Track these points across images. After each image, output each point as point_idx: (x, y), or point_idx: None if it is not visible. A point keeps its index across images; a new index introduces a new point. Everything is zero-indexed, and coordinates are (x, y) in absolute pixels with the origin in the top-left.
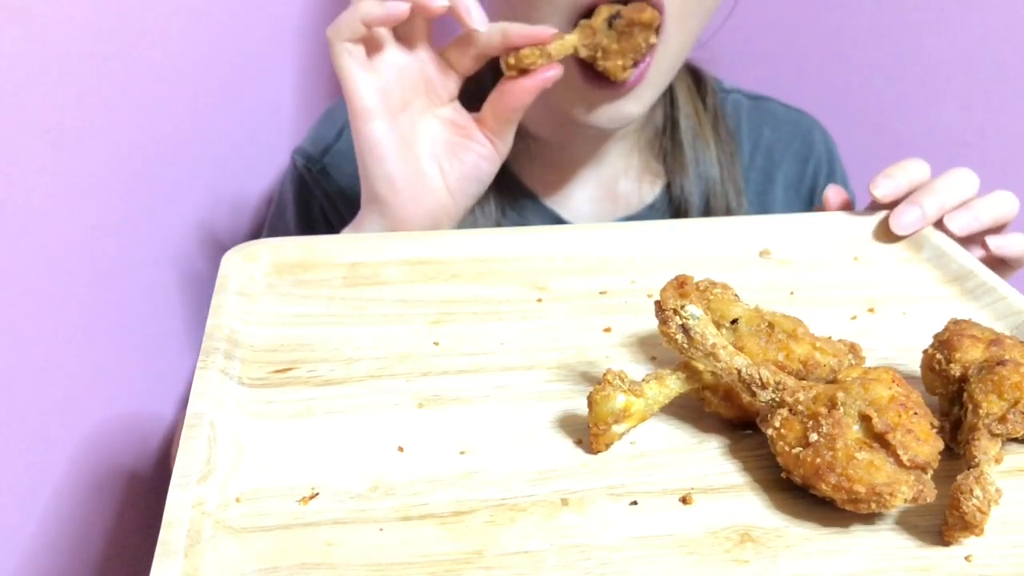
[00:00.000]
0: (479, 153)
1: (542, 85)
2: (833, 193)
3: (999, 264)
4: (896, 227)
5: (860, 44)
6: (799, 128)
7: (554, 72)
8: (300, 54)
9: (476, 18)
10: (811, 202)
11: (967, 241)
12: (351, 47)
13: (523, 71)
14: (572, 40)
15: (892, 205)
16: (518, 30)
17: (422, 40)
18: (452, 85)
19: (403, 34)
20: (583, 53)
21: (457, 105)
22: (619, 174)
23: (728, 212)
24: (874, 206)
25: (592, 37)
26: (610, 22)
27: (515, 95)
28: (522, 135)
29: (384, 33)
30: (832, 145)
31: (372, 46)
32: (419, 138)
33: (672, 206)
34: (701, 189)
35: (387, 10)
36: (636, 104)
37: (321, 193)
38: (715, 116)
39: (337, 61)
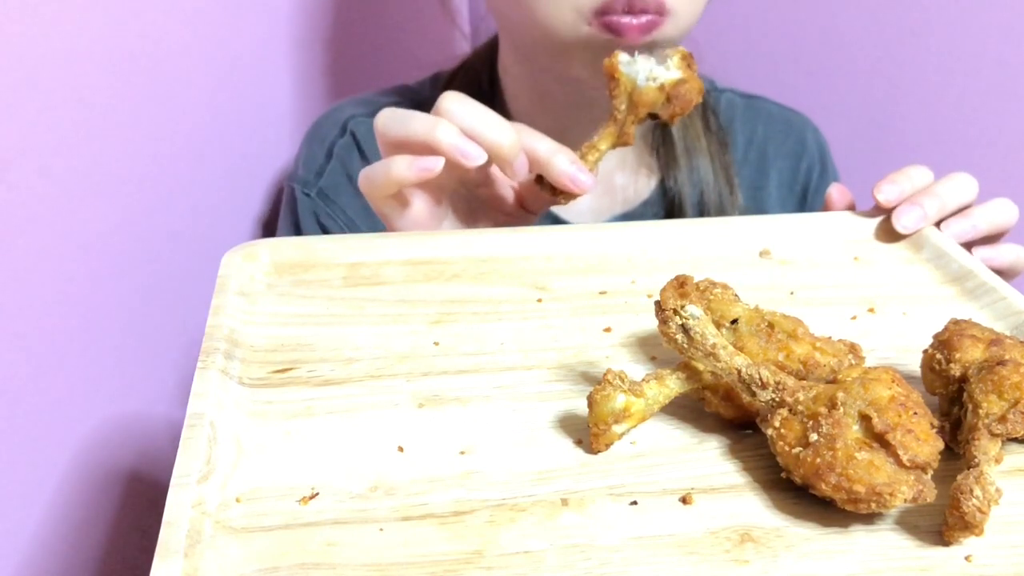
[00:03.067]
0: (522, 222)
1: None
2: (837, 192)
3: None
4: (898, 226)
5: (858, 44)
6: (792, 127)
7: (591, 189)
8: (299, 55)
9: (519, 173)
10: (804, 200)
11: (966, 247)
12: (390, 201)
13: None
14: (605, 148)
15: (889, 215)
16: (560, 179)
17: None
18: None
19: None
20: (618, 143)
21: (495, 175)
22: (615, 167)
23: (721, 201)
24: (875, 210)
25: (622, 135)
26: (652, 116)
27: (553, 203)
28: None
29: None
30: (824, 144)
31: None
32: (466, 222)
33: (667, 199)
34: (694, 180)
35: (420, 172)
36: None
37: (325, 214)
38: (704, 107)
39: (378, 211)
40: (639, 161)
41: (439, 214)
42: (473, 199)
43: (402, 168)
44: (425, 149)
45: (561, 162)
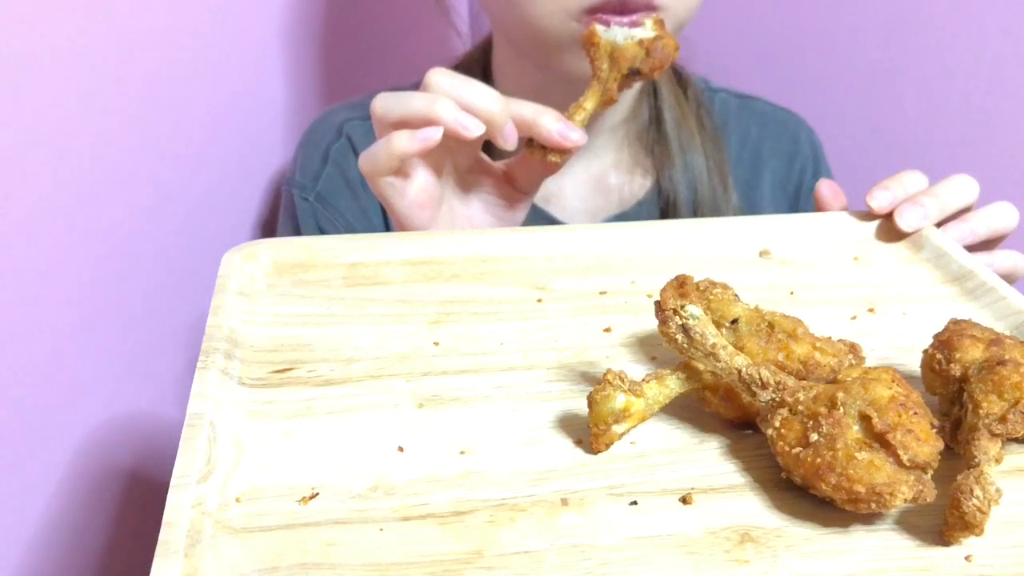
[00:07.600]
0: (516, 203)
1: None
2: (828, 188)
3: None
4: (900, 223)
5: (854, 45)
6: (786, 127)
7: (581, 143)
8: (296, 56)
9: (509, 140)
10: (798, 201)
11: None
12: (391, 179)
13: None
14: (591, 107)
15: (888, 217)
16: (550, 136)
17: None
18: (477, 149)
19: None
20: (604, 101)
21: (483, 160)
22: (609, 167)
23: (715, 200)
24: (871, 215)
25: (606, 92)
26: (631, 73)
27: (546, 169)
28: None
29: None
30: (818, 145)
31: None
32: (459, 214)
33: (661, 198)
34: (688, 179)
35: (422, 143)
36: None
37: (324, 218)
38: (698, 105)
39: (380, 193)
40: (634, 161)
41: (439, 192)
42: (465, 183)
43: (403, 141)
44: (424, 126)
45: (548, 120)
